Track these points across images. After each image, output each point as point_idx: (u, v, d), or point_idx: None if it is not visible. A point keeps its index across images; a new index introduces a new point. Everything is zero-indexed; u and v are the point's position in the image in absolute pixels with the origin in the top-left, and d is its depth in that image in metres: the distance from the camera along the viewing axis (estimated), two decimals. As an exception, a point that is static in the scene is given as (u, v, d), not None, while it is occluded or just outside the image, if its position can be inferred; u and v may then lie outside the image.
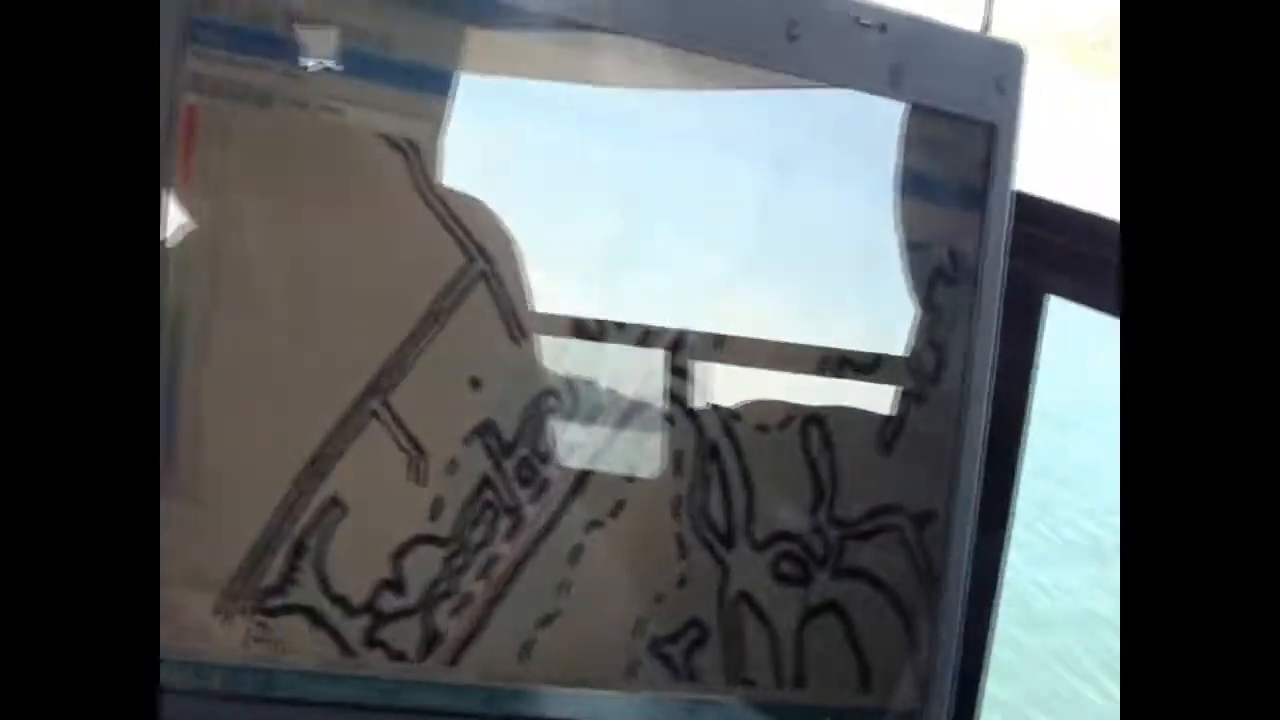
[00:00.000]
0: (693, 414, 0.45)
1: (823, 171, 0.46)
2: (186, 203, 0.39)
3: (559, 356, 0.43)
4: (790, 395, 0.46)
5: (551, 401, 0.43)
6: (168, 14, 0.36)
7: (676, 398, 0.45)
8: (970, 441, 0.47)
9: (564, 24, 0.42)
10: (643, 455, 0.44)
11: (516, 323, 0.42)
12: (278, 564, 0.40)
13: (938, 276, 0.47)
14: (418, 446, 0.42)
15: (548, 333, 0.43)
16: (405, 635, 0.42)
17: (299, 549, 0.41)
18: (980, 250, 0.46)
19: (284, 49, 0.39)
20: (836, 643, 0.47)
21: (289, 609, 0.41)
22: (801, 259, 0.46)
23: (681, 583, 0.45)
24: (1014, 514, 0.52)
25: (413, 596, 0.42)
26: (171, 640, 0.36)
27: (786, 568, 0.46)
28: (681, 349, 0.44)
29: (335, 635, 0.41)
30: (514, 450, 0.43)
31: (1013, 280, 0.47)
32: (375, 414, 0.41)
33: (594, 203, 0.44)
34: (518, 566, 0.43)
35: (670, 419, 0.44)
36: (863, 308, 0.47)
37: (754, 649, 0.46)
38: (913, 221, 0.46)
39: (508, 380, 0.43)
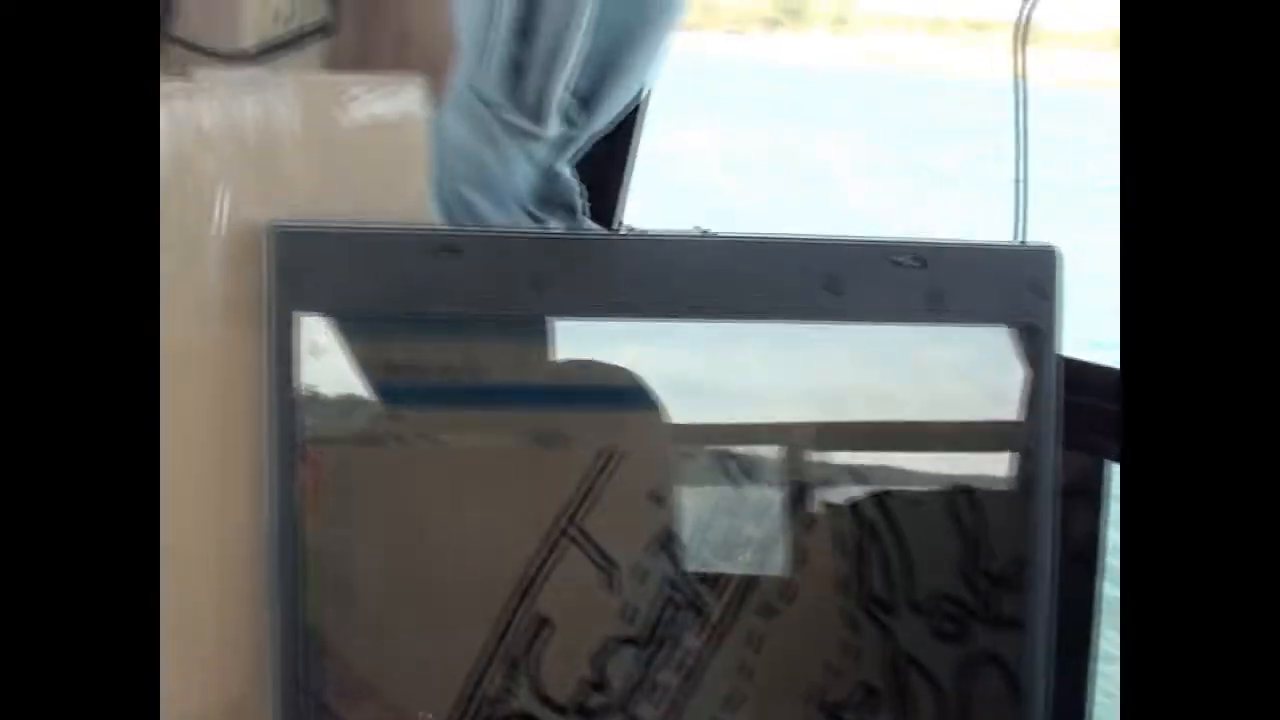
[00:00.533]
0: (851, 500, 0.49)
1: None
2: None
3: (724, 468, 0.47)
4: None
5: (724, 505, 0.47)
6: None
7: (832, 487, 0.48)
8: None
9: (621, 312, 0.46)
10: (809, 543, 0.48)
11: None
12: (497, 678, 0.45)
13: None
14: (608, 559, 0.46)
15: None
16: (612, 726, 0.47)
17: (514, 663, 0.45)
18: (1032, 442, 0.49)
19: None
20: (995, 689, 0.51)
21: (509, 717, 0.46)
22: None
23: (851, 653, 0.49)
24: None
25: (614, 693, 0.47)
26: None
27: (946, 626, 0.50)
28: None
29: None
30: (695, 554, 0.47)
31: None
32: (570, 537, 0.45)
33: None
34: (703, 658, 0.47)
35: (829, 507, 0.48)
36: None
37: (921, 703, 0.50)
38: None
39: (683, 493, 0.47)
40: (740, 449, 0.47)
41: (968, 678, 0.50)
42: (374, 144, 0.45)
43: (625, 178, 0.73)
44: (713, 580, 0.47)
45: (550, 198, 0.59)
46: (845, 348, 0.48)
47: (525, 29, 0.54)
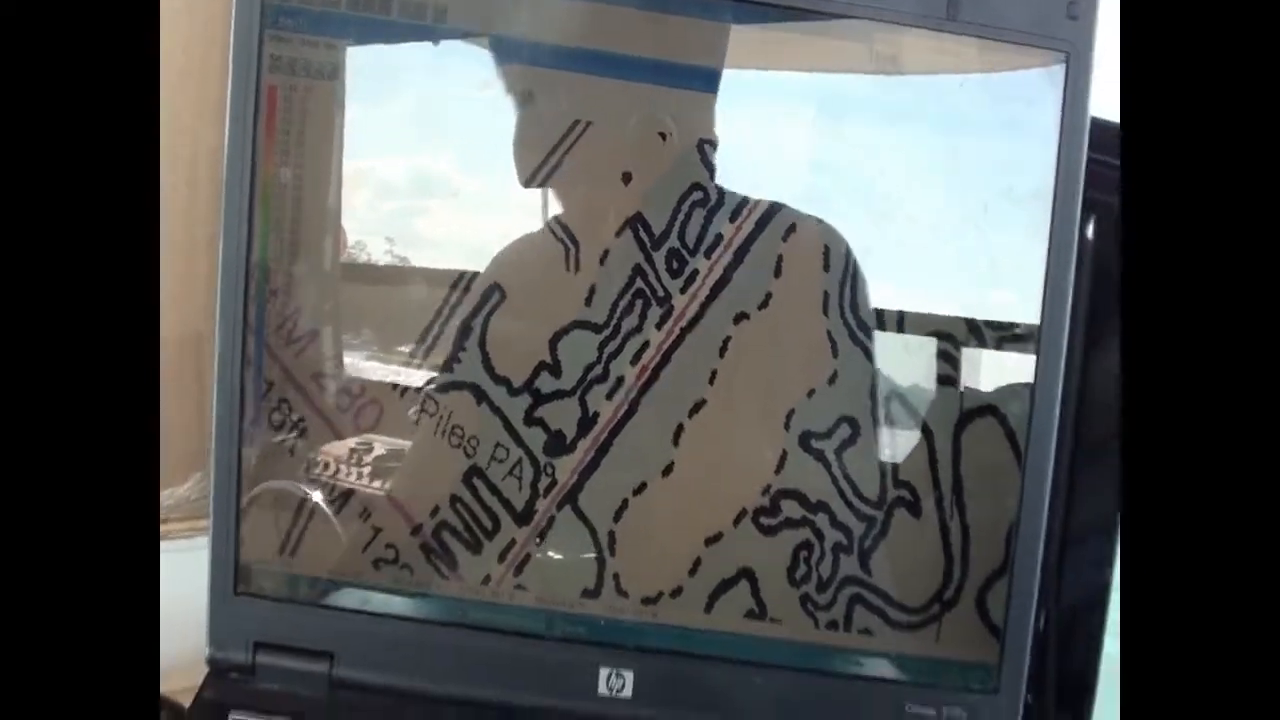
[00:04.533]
0: (852, 202, 0.45)
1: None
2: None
3: (705, 158, 0.45)
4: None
5: (699, 196, 0.45)
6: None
7: (821, 197, 0.45)
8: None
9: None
10: (790, 251, 0.45)
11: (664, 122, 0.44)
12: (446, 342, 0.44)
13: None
14: (569, 233, 0.44)
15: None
16: (562, 415, 0.45)
17: (465, 328, 0.44)
18: (1058, 181, 0.44)
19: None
20: (994, 448, 0.46)
21: (454, 385, 0.44)
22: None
23: (828, 376, 0.45)
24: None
25: (566, 378, 0.45)
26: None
27: (941, 367, 0.46)
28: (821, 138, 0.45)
29: (498, 412, 0.45)
30: (663, 243, 0.45)
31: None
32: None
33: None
34: (664, 353, 0.45)
35: (816, 217, 0.45)
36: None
37: (906, 447, 0.46)
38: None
39: (658, 176, 0.44)
40: (732, 138, 0.45)
41: (962, 428, 0.46)
42: None
43: None
44: (681, 274, 0.45)
45: None
46: (858, 49, 0.44)
47: None
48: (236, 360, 0.44)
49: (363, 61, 0.43)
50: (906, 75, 0.45)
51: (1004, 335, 0.46)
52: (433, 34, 0.43)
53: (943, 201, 0.45)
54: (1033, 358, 0.45)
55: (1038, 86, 0.45)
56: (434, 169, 0.44)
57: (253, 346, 0.44)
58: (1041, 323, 0.45)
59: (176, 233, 0.45)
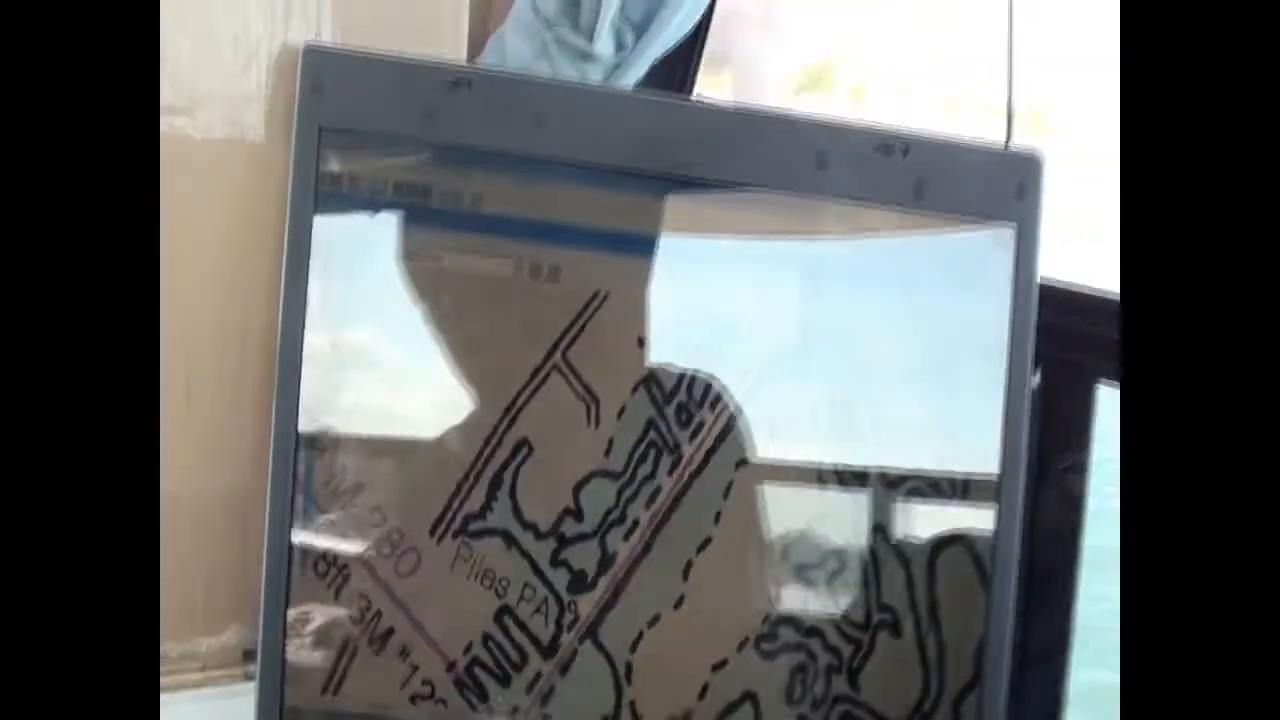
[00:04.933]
0: (833, 360, 0.51)
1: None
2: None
3: (711, 322, 0.50)
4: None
5: (708, 357, 0.50)
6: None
7: (818, 342, 0.51)
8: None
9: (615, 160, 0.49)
10: (784, 406, 0.51)
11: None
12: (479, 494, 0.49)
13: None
14: (590, 393, 0.49)
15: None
16: (584, 556, 0.49)
17: (495, 480, 0.49)
18: (1012, 343, 0.51)
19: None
20: (963, 570, 0.52)
21: (487, 531, 0.49)
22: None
23: (822, 516, 0.51)
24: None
25: (589, 522, 0.49)
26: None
27: (917, 503, 0.52)
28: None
29: (526, 555, 0.49)
30: (673, 398, 0.50)
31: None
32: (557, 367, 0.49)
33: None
34: (675, 497, 0.50)
35: (811, 365, 0.51)
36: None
37: (888, 575, 0.52)
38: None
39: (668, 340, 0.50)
40: (725, 303, 0.50)
41: (935, 556, 0.52)
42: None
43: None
44: (689, 425, 0.50)
45: None
46: (830, 225, 0.51)
47: None
48: (285, 515, 0.47)
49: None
50: (876, 241, 0.51)
51: (969, 479, 0.52)
52: (469, 219, 0.48)
53: (910, 357, 0.51)
54: (994, 500, 0.52)
55: (991, 253, 0.52)
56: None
57: (300, 503, 0.48)
58: (1001, 467, 0.52)
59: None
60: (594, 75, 0.60)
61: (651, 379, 0.50)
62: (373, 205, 0.48)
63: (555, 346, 0.49)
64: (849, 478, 0.51)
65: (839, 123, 0.51)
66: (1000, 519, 0.52)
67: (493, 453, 0.49)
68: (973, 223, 0.51)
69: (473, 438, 0.49)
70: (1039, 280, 0.51)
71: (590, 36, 0.58)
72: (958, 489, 0.52)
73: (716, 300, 0.50)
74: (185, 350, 0.47)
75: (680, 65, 0.74)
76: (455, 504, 0.49)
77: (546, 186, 0.49)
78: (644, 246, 0.50)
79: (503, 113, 0.48)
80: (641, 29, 0.61)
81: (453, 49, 0.51)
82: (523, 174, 0.48)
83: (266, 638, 0.48)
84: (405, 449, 0.49)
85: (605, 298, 0.49)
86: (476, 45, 0.56)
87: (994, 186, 0.51)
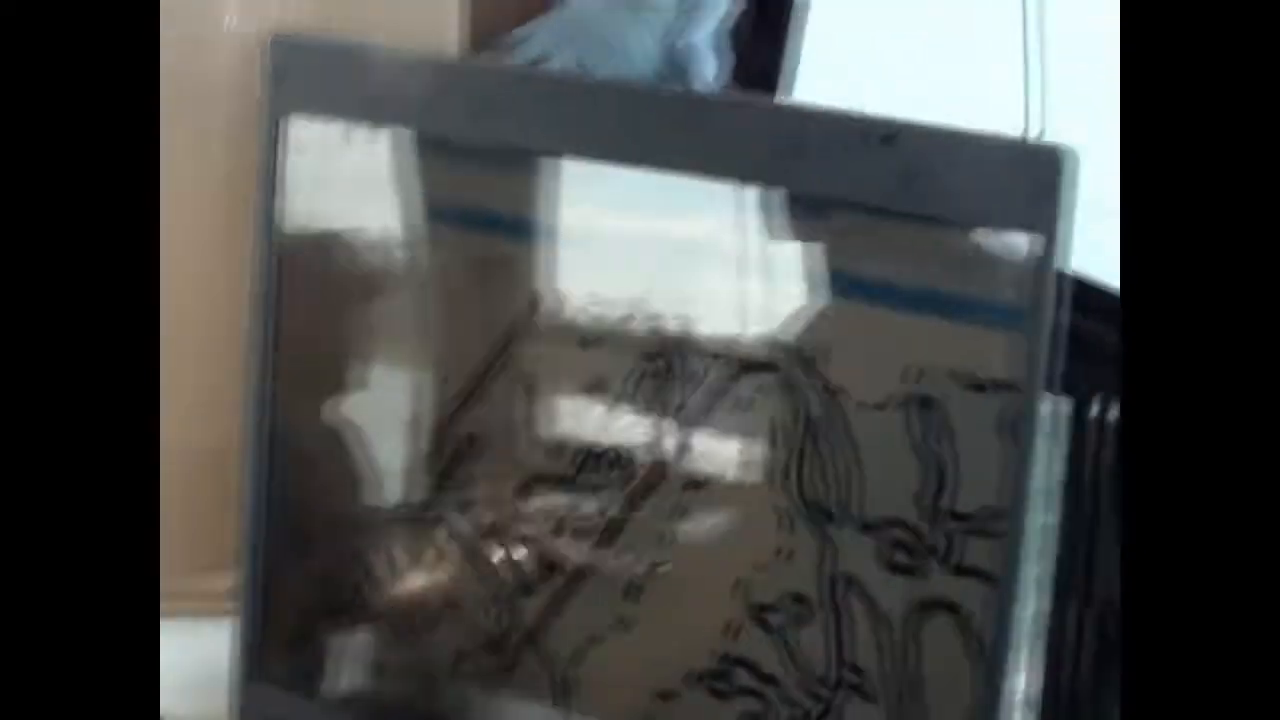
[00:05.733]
0: (791, 385, 0.45)
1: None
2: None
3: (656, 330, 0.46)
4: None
5: (655, 366, 0.46)
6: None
7: (774, 367, 0.45)
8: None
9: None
10: (742, 424, 0.46)
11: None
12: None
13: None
14: (538, 394, 0.47)
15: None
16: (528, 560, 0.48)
17: (444, 474, 0.48)
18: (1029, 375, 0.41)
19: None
20: (950, 642, 0.44)
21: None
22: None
23: (782, 553, 0.45)
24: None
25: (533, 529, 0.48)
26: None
27: (897, 556, 0.45)
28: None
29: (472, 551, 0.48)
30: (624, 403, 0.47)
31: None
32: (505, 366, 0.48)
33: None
34: (622, 513, 0.47)
35: (766, 389, 0.45)
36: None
37: (860, 631, 0.45)
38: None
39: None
40: (686, 308, 0.46)
41: (918, 619, 0.45)
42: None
43: (786, 58, 0.69)
44: (643, 438, 0.47)
45: (673, 75, 0.59)
46: (804, 222, 0.44)
47: None
48: (262, 471, 0.50)
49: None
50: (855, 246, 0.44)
51: (965, 528, 0.44)
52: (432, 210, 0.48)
53: (888, 382, 0.44)
54: (994, 551, 0.43)
55: (998, 268, 0.42)
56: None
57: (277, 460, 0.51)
58: (1007, 515, 0.43)
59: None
60: (658, 26, 0.56)
61: (601, 383, 0.47)
62: (333, 193, 0.48)
63: (505, 343, 0.47)
64: (817, 514, 0.45)
65: (813, 109, 0.44)
66: (1003, 577, 0.43)
67: (441, 446, 0.48)
68: (973, 230, 0.42)
69: (421, 431, 0.49)
70: (1063, 303, 0.41)
71: None
72: (948, 539, 0.44)
73: (677, 303, 0.46)
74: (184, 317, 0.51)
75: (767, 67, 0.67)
76: (405, 492, 0.49)
77: (508, 177, 0.47)
78: (602, 243, 0.46)
79: (464, 102, 0.47)
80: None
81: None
82: (483, 165, 0.47)
83: (246, 581, 0.51)
84: (363, 437, 0.50)
85: (558, 294, 0.47)
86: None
87: (1006, 188, 0.42)
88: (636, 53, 0.57)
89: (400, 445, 0.49)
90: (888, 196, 0.42)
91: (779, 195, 0.44)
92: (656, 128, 0.45)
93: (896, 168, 0.42)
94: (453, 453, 0.48)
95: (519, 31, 0.63)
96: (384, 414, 0.50)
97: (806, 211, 0.44)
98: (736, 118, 0.44)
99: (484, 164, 0.47)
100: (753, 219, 0.44)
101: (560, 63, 0.59)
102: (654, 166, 0.45)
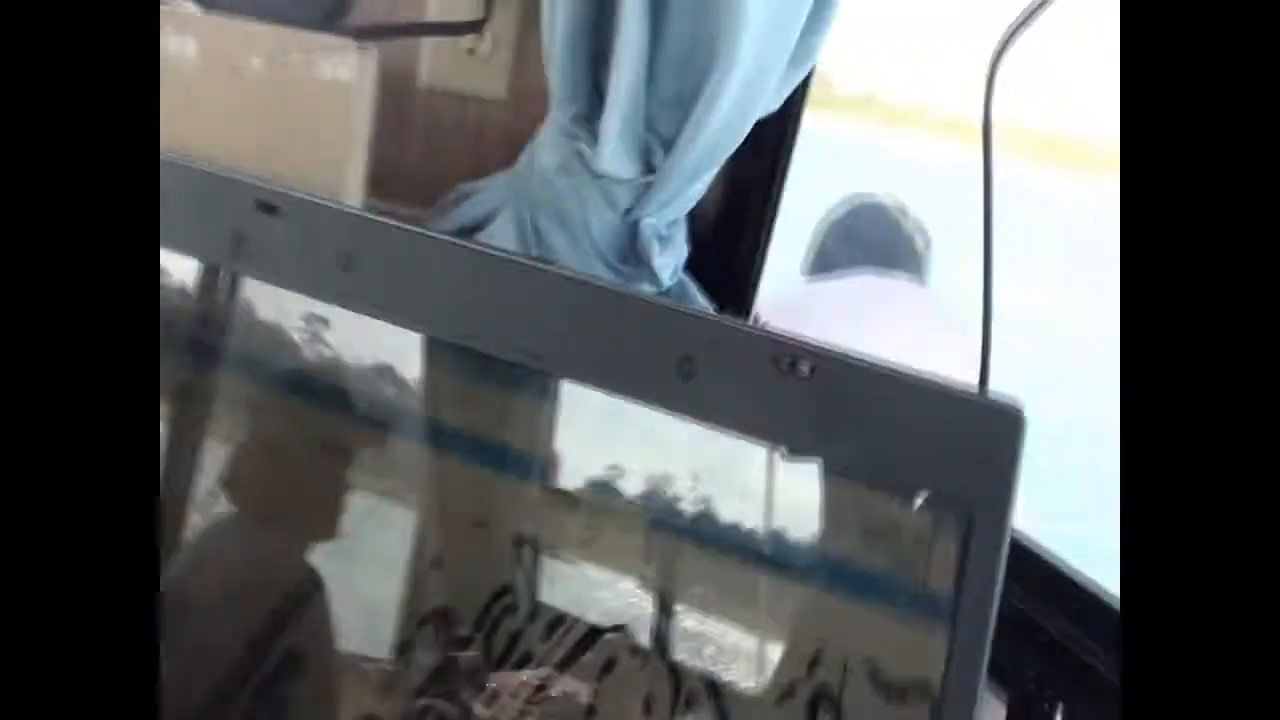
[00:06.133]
0: (673, 664, 0.37)
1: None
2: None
3: (518, 554, 0.38)
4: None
5: (510, 601, 0.38)
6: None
7: (657, 637, 0.37)
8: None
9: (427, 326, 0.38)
10: (605, 689, 0.37)
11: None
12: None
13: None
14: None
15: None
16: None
17: (261, 690, 0.40)
18: (949, 670, 0.32)
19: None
20: None
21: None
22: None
23: None
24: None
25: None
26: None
27: None
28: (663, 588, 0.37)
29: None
30: (469, 645, 0.38)
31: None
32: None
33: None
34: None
35: (647, 657, 0.37)
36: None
37: None
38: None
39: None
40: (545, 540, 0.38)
41: None
42: (306, 99, 0.43)
43: (761, 241, 0.61)
44: (485, 689, 0.38)
45: (632, 253, 0.52)
46: (691, 456, 0.36)
47: (601, 56, 0.49)
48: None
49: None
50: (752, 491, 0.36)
51: None
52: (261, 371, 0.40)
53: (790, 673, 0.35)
54: None
55: (925, 541, 0.34)
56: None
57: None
58: None
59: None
60: (621, 199, 0.50)
61: (444, 613, 0.39)
62: (178, 333, 0.41)
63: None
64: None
65: (721, 322, 0.35)
66: None
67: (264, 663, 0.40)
68: (899, 494, 0.34)
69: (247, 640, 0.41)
70: (999, 587, 0.33)
71: (615, 156, 0.48)
72: None
73: (545, 534, 0.38)
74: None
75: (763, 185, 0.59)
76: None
77: (352, 339, 0.39)
78: (450, 442, 0.38)
79: (307, 246, 0.39)
80: (671, 146, 0.49)
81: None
82: (329, 325, 0.39)
83: None
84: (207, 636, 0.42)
85: (401, 500, 0.39)
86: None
87: (944, 446, 0.33)
88: (598, 229, 0.50)
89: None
90: (799, 438, 0.34)
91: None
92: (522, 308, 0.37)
93: (813, 407, 0.33)
94: (272, 668, 0.40)
95: (464, 186, 0.56)
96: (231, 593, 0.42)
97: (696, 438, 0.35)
98: (643, 324, 0.35)
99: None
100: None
101: (506, 222, 0.52)
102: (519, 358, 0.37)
